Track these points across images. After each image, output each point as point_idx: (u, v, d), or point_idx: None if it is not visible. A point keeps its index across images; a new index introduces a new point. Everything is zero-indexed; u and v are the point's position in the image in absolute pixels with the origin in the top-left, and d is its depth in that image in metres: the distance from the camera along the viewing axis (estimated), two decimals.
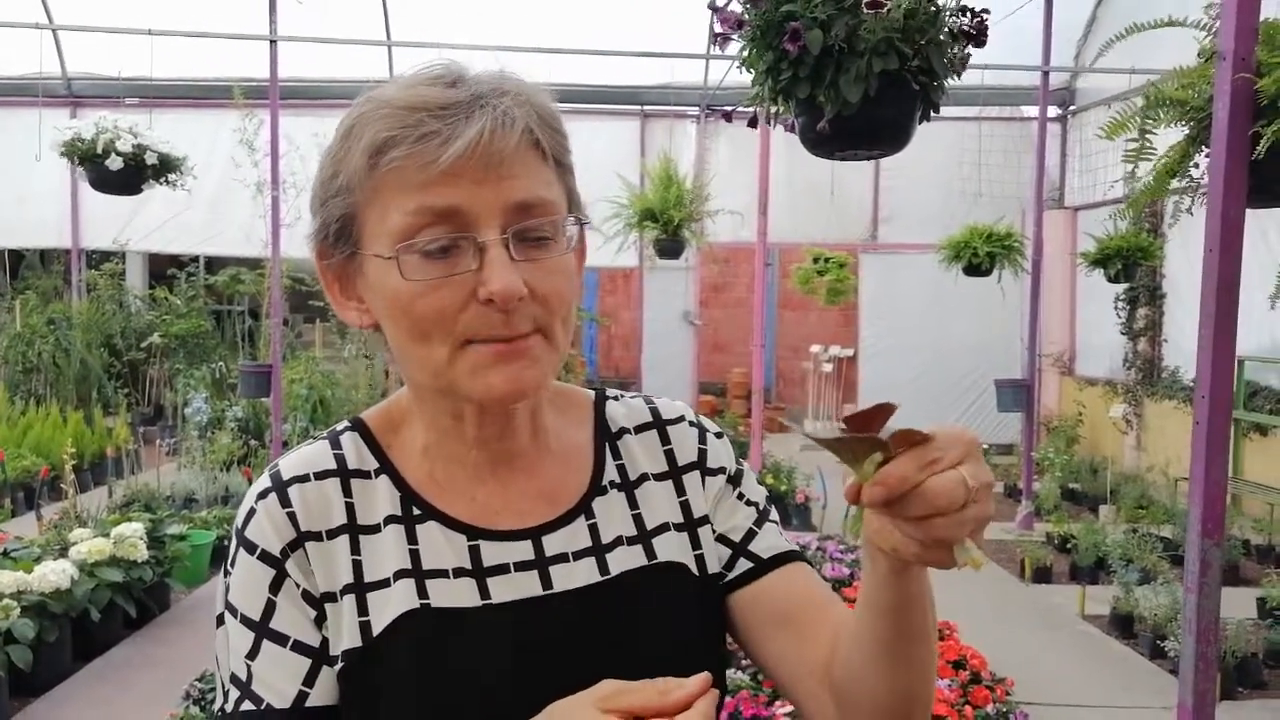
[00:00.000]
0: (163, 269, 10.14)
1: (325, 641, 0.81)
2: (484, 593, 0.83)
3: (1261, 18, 2.15)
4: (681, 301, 9.67)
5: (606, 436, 0.93)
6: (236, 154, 7.54)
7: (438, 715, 0.79)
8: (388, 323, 0.81)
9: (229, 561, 0.83)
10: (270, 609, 0.80)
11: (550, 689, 0.73)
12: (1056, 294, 8.71)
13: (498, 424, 0.85)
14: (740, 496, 0.94)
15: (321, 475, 0.85)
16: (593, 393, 0.97)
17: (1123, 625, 4.66)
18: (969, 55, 2.76)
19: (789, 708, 2.93)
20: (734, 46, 2.87)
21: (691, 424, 0.96)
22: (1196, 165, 2.60)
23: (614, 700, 0.68)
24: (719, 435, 0.97)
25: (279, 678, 0.79)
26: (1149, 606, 4.49)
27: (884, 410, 0.65)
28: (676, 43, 7.69)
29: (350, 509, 0.84)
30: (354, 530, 0.84)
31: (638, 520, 0.90)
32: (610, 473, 0.91)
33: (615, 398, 0.97)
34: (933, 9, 2.68)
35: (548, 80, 0.84)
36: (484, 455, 0.87)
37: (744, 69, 2.88)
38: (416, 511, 0.85)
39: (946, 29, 2.71)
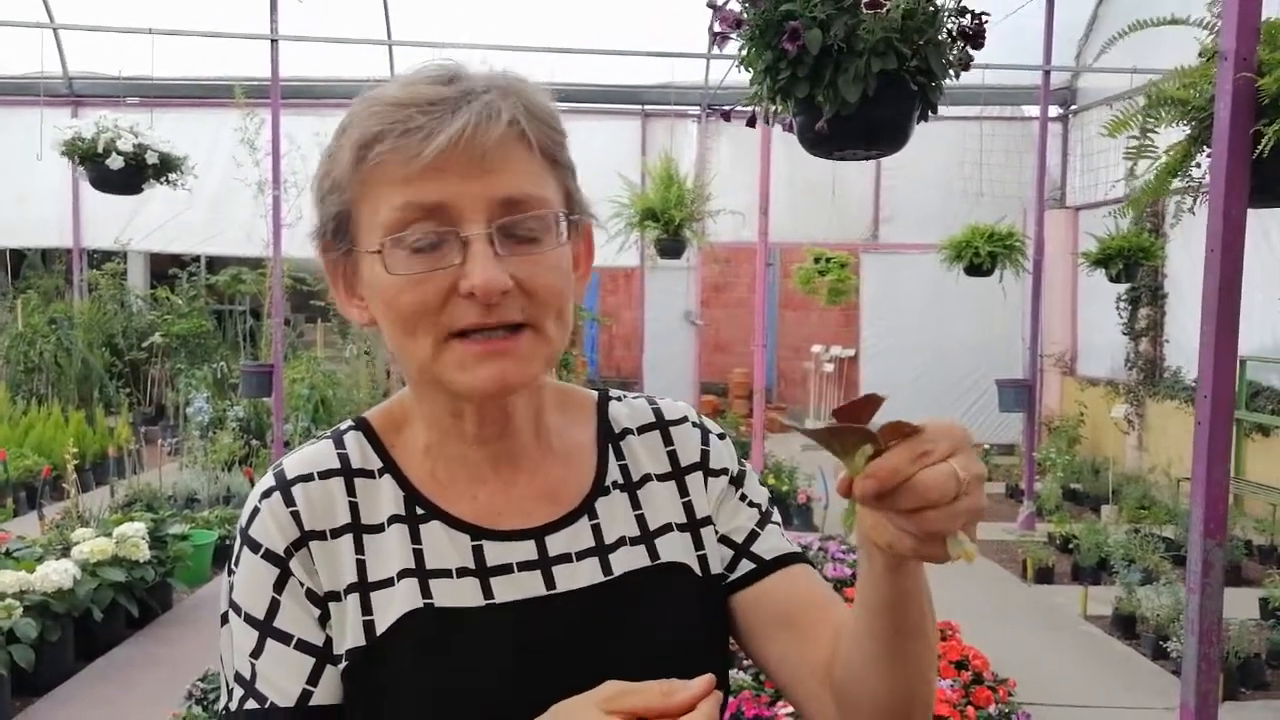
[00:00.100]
0: (164, 269, 10.15)
1: (329, 640, 0.81)
2: (487, 592, 0.83)
3: (1263, 17, 2.15)
4: (683, 301, 9.66)
5: (609, 437, 0.93)
6: (238, 153, 7.55)
7: (440, 714, 0.79)
8: (381, 318, 0.82)
9: (233, 560, 0.83)
10: (274, 608, 0.81)
11: (553, 689, 0.73)
12: (1058, 294, 8.71)
13: (497, 422, 0.85)
14: (743, 498, 0.94)
15: (325, 474, 0.85)
16: (596, 393, 0.97)
17: (1125, 626, 4.66)
18: (969, 56, 2.76)
19: (790, 709, 2.93)
20: (733, 46, 2.87)
21: (694, 425, 0.96)
22: (1198, 165, 2.60)
23: (617, 701, 0.68)
24: (721, 436, 0.97)
25: (283, 676, 0.79)
26: (1151, 607, 4.48)
27: (872, 401, 0.65)
28: (677, 42, 7.69)
29: (354, 508, 0.84)
30: (358, 529, 0.84)
31: (640, 521, 0.90)
32: (613, 473, 0.91)
33: (618, 398, 0.97)
34: (931, 9, 2.68)
35: (549, 80, 0.84)
36: (485, 454, 0.87)
37: (743, 68, 2.88)
38: (420, 511, 0.85)
39: (945, 29, 2.72)
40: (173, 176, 6.22)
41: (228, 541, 5.35)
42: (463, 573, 0.83)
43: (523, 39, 6.85)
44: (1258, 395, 6.45)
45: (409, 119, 0.75)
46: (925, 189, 8.67)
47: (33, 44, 7.99)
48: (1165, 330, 7.71)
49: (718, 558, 0.92)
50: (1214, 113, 2.19)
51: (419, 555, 0.83)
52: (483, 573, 0.84)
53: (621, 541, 0.88)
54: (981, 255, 6.77)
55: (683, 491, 0.93)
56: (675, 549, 0.90)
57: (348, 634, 0.81)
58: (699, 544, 0.91)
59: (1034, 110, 7.68)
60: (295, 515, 0.82)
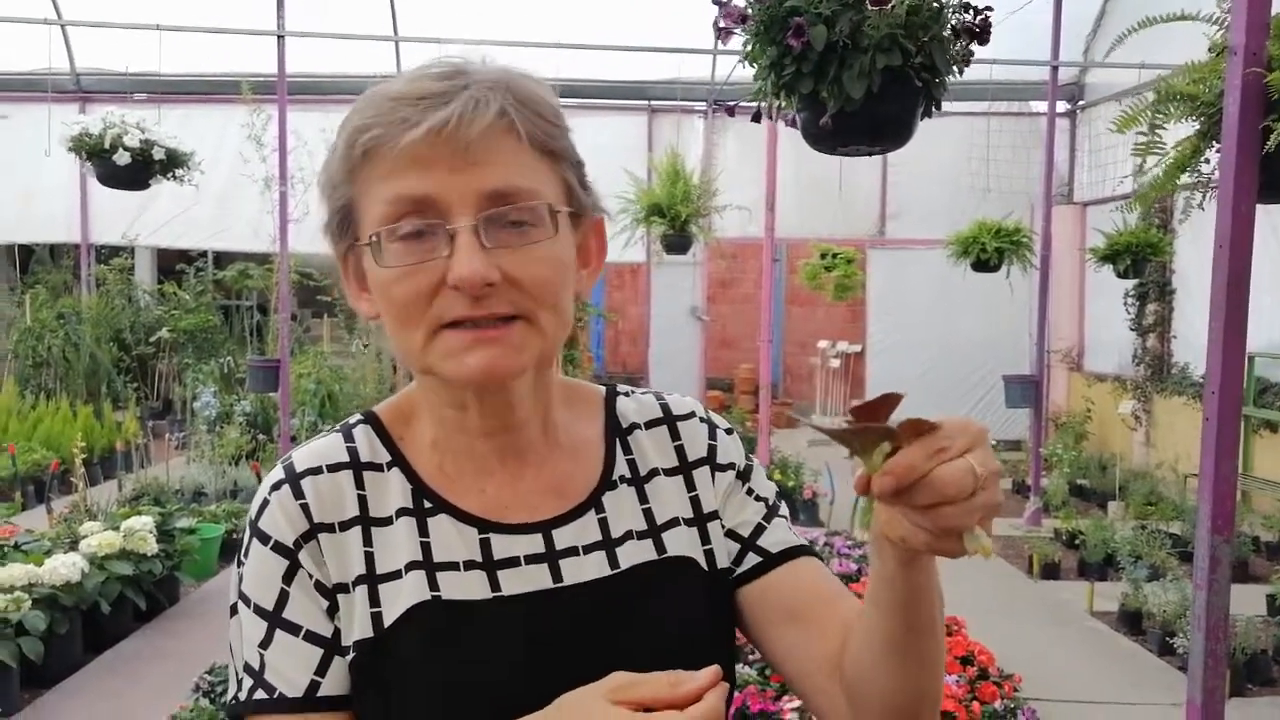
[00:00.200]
0: (171, 264, 10.17)
1: (337, 632, 0.82)
2: (494, 585, 0.83)
3: (1274, 12, 2.14)
4: (689, 297, 9.65)
5: (617, 432, 0.94)
6: (244, 149, 7.55)
7: (448, 706, 0.80)
8: (381, 310, 0.82)
9: (242, 552, 0.84)
10: (283, 599, 0.81)
11: (560, 681, 0.74)
12: (1065, 290, 8.68)
13: (500, 415, 0.86)
14: (749, 492, 0.95)
15: (334, 468, 0.86)
16: (604, 389, 0.97)
17: (1131, 622, 4.66)
18: (971, 52, 2.75)
19: (796, 703, 2.93)
20: (736, 41, 2.87)
21: (702, 420, 0.97)
22: (1207, 161, 2.59)
23: (624, 692, 0.69)
24: (729, 431, 0.98)
25: (291, 667, 0.80)
26: (1158, 603, 4.48)
27: (890, 400, 0.65)
28: (684, 38, 7.66)
29: (363, 501, 0.85)
30: (366, 522, 0.84)
31: (648, 515, 0.90)
32: (620, 467, 0.92)
33: (626, 394, 0.97)
34: (936, 5, 2.68)
35: (555, 75, 0.84)
36: (492, 447, 0.87)
37: (747, 64, 2.88)
38: (428, 504, 0.86)
39: (950, 26, 2.71)
40: (179, 172, 6.22)
41: (235, 536, 5.37)
42: (470, 565, 0.84)
43: (529, 34, 6.84)
44: (1266, 391, 6.42)
45: (395, 110, 0.76)
46: (932, 184, 8.64)
47: (40, 40, 8.00)
48: (1173, 326, 7.68)
49: (724, 552, 0.92)
50: (1223, 108, 2.18)
51: (426, 548, 0.84)
52: (490, 566, 0.84)
53: (628, 535, 0.88)
54: (989, 251, 6.75)
55: (690, 486, 0.93)
56: (682, 543, 0.90)
57: (355, 626, 0.81)
58: (705, 539, 0.91)
59: (1042, 106, 7.66)
60: (304, 508, 0.83)
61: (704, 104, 8.92)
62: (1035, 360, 7.01)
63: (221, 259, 10.29)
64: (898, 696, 0.80)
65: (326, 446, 0.87)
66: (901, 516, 0.66)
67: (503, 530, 0.85)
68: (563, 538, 0.86)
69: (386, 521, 0.85)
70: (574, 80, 8.04)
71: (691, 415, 0.97)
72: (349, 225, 0.82)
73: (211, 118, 8.36)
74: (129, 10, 7.10)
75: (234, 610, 0.83)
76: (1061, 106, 8.25)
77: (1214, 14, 2.62)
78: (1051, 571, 5.54)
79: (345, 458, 0.86)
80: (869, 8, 2.59)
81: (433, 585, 0.82)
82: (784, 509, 0.96)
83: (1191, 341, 7.24)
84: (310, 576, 0.82)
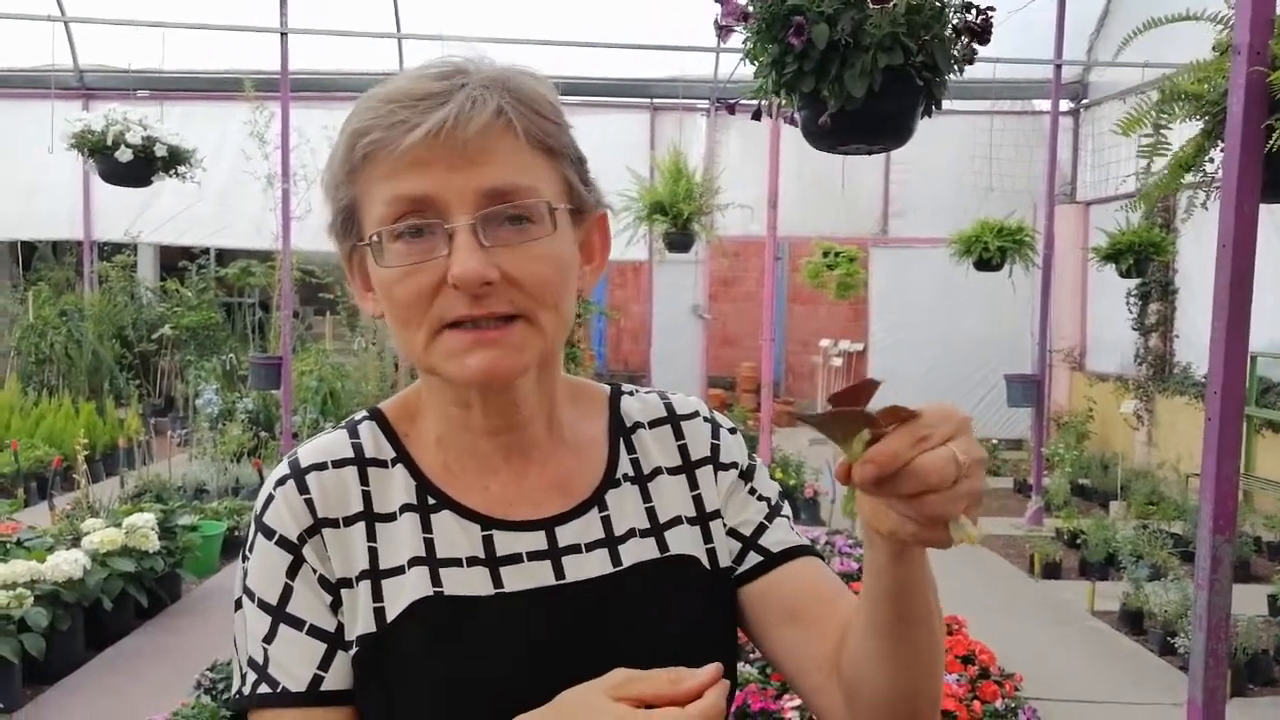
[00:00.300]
0: (174, 261, 10.18)
1: (341, 627, 0.82)
2: (497, 582, 0.84)
3: (1278, 11, 2.14)
4: (691, 295, 9.65)
5: (621, 430, 0.94)
6: (247, 146, 7.56)
7: (450, 701, 0.80)
8: (384, 310, 0.83)
9: (247, 547, 0.85)
10: (287, 594, 0.82)
11: (561, 677, 0.74)
12: (1068, 289, 8.68)
13: (504, 413, 0.86)
14: (751, 491, 0.95)
15: (339, 463, 0.86)
16: (608, 388, 0.98)
17: (1132, 621, 4.65)
18: (972, 51, 2.75)
19: (797, 701, 2.93)
20: (737, 38, 2.87)
21: (705, 419, 0.97)
22: (1211, 160, 2.58)
23: (625, 688, 0.69)
24: (732, 431, 0.98)
25: (295, 661, 0.81)
26: (1159, 603, 4.47)
27: (869, 385, 0.65)
28: (687, 36, 7.66)
29: (367, 497, 0.85)
30: (370, 518, 0.85)
31: (650, 513, 0.91)
32: (624, 466, 0.92)
33: (630, 393, 0.98)
34: (938, 5, 2.67)
35: (558, 73, 0.85)
36: (496, 445, 0.88)
37: (748, 61, 2.87)
38: (431, 501, 0.86)
39: (951, 25, 2.71)
40: (182, 169, 6.24)
41: (237, 533, 5.37)
42: (473, 562, 0.84)
43: (532, 32, 6.84)
44: (1268, 391, 6.42)
45: (393, 114, 0.77)
46: (935, 183, 8.64)
47: (44, 37, 8.01)
48: (1175, 326, 7.67)
49: (726, 551, 0.92)
50: (1227, 107, 2.17)
51: (429, 544, 0.84)
52: (492, 562, 0.84)
53: (631, 533, 0.88)
54: (991, 250, 6.75)
55: (693, 485, 0.93)
56: (684, 542, 0.90)
57: (359, 620, 0.82)
58: (708, 537, 0.92)
59: (1045, 104, 7.65)
60: (309, 503, 0.83)
61: (707, 102, 8.92)
62: (1037, 359, 7.00)
63: (224, 256, 10.30)
64: (894, 693, 0.80)
65: (332, 443, 0.88)
66: (888, 509, 0.66)
67: (505, 527, 0.86)
68: (565, 535, 0.87)
69: (390, 517, 0.85)
70: (577, 78, 8.04)
71: (695, 415, 0.97)
72: (352, 226, 0.83)
73: (214, 115, 8.36)
74: (132, 7, 7.11)
75: (238, 605, 0.84)
76: (1065, 105, 8.25)
77: (1219, 13, 2.62)
78: (1053, 571, 5.53)
79: (350, 454, 0.87)
80: (871, 6, 2.59)
81: (435, 581, 0.82)
82: (786, 509, 0.97)
83: (1194, 341, 7.24)
84: (314, 571, 0.82)
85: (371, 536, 0.84)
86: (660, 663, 0.71)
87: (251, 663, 0.81)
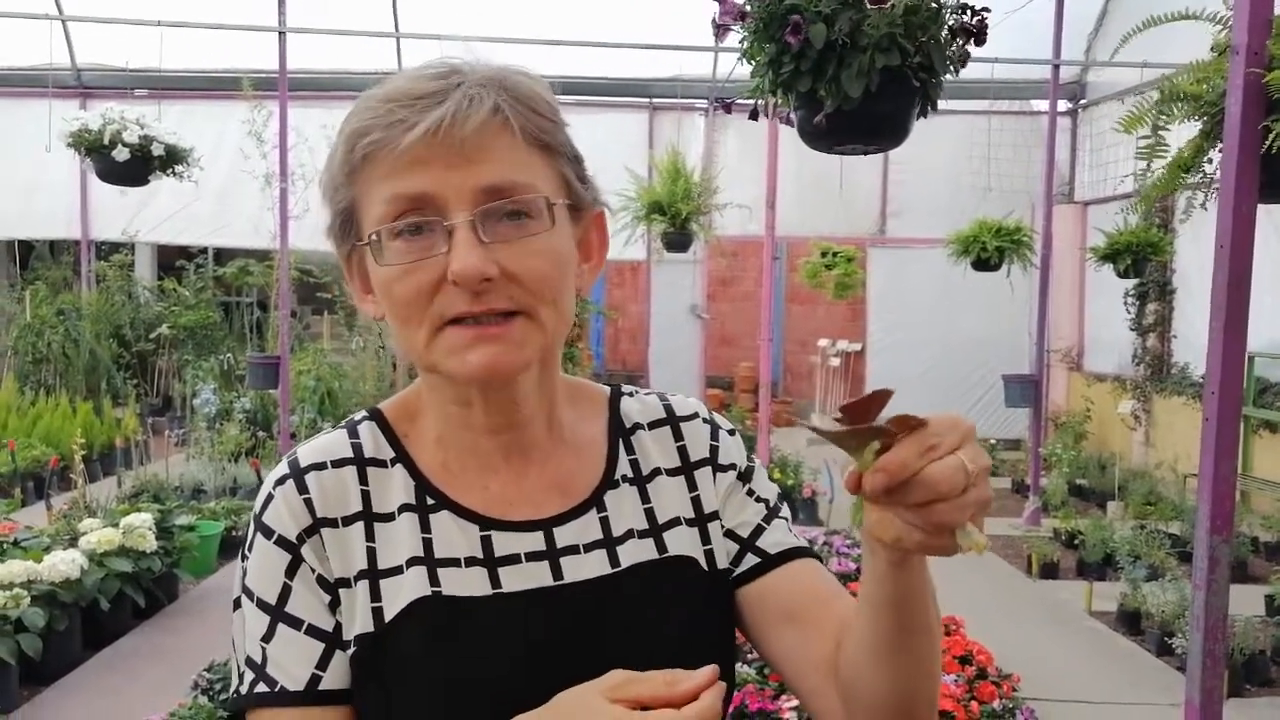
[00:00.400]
0: (171, 260, 10.17)
1: (339, 626, 0.82)
2: (495, 582, 0.84)
3: (1276, 12, 2.14)
4: (689, 295, 9.65)
5: (620, 431, 0.94)
6: (245, 145, 7.55)
7: (448, 701, 0.80)
8: (384, 310, 0.83)
9: (246, 546, 0.85)
10: (286, 593, 0.82)
11: (559, 678, 0.74)
12: (1065, 289, 8.68)
13: (505, 412, 0.86)
14: (750, 493, 0.95)
15: (339, 463, 0.86)
16: (608, 389, 0.98)
17: (1130, 622, 4.66)
18: (969, 53, 2.76)
19: (795, 702, 2.93)
20: (734, 37, 2.87)
21: (704, 421, 0.97)
22: (1210, 160, 2.58)
23: (622, 690, 0.69)
24: (731, 432, 0.98)
25: (293, 661, 0.81)
26: (1156, 603, 4.48)
27: (880, 397, 0.65)
28: (685, 35, 7.66)
29: (366, 496, 0.86)
30: (369, 518, 0.85)
31: (649, 514, 0.91)
32: (623, 467, 0.92)
33: (630, 394, 0.98)
34: (934, 5, 2.68)
35: (556, 72, 0.85)
36: (496, 444, 0.88)
37: (745, 60, 2.88)
38: (430, 501, 0.86)
39: (948, 26, 2.71)
40: (179, 168, 6.22)
41: (234, 533, 5.37)
42: (471, 562, 0.84)
43: (530, 32, 6.84)
44: (1265, 391, 6.43)
45: (391, 113, 0.77)
46: (933, 183, 8.64)
47: (41, 35, 8.00)
48: (1173, 326, 7.68)
49: (724, 552, 0.92)
50: (1225, 108, 2.17)
51: (428, 544, 0.84)
52: (490, 562, 0.84)
53: (629, 534, 0.88)
54: (989, 250, 6.75)
55: (691, 486, 0.93)
56: (683, 543, 0.90)
57: (357, 620, 0.82)
58: (706, 539, 0.92)
59: (1043, 105, 7.65)
60: (308, 502, 0.83)
61: (705, 102, 8.92)
62: (1035, 359, 7.01)
63: (222, 255, 10.30)
64: (892, 696, 0.80)
65: (331, 442, 0.88)
66: (894, 517, 0.66)
67: (504, 527, 0.86)
68: (564, 535, 0.87)
69: (389, 517, 0.85)
70: (575, 77, 8.04)
71: (694, 416, 0.97)
72: (351, 227, 0.83)
73: (212, 114, 8.35)
74: (130, 6, 7.10)
75: (237, 604, 0.84)
76: (1063, 105, 8.25)
77: (1217, 13, 2.62)
78: (1050, 571, 5.54)
79: (349, 453, 0.87)
80: (868, 7, 2.59)
81: (433, 581, 0.82)
82: (785, 510, 0.97)
83: (1191, 341, 7.24)
84: (313, 571, 0.82)
85: (370, 536, 0.84)
86: (658, 664, 0.71)
87: (249, 662, 0.82)
